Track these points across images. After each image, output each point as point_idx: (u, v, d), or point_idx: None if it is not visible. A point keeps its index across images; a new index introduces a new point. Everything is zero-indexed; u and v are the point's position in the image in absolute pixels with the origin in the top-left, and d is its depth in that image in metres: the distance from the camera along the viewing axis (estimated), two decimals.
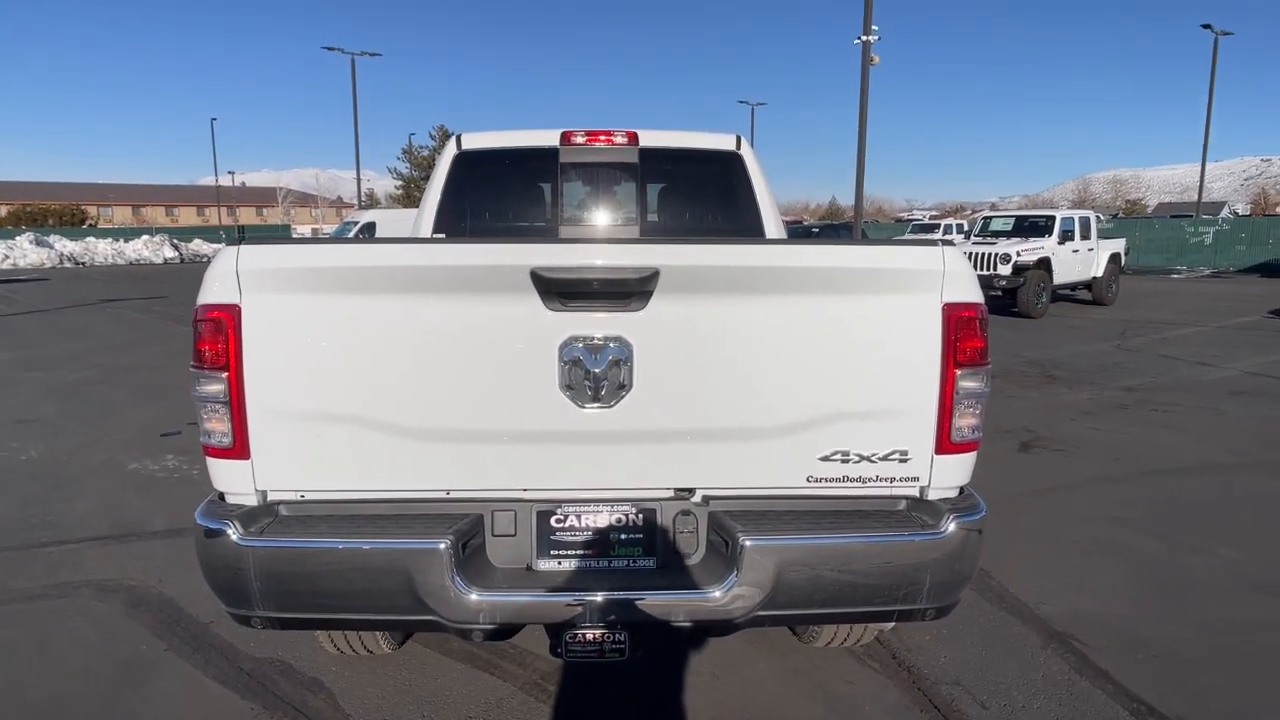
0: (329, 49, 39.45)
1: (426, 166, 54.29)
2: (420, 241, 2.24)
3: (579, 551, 2.09)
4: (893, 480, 2.10)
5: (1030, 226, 15.40)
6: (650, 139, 4.04)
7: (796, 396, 2.03)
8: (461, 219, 4.05)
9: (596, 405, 1.98)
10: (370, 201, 50.14)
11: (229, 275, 1.95)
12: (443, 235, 3.92)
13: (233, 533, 1.96)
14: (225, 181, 74.21)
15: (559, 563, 2.09)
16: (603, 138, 4.01)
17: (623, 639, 1.99)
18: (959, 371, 2.03)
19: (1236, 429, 6.55)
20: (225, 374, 1.98)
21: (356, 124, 40.08)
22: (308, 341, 1.98)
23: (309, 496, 2.09)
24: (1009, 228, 15.89)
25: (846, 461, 2.07)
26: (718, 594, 1.95)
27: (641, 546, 2.10)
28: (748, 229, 4.05)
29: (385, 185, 61.42)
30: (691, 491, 2.12)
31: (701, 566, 2.08)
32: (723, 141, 4.14)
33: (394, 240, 2.04)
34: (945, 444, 2.07)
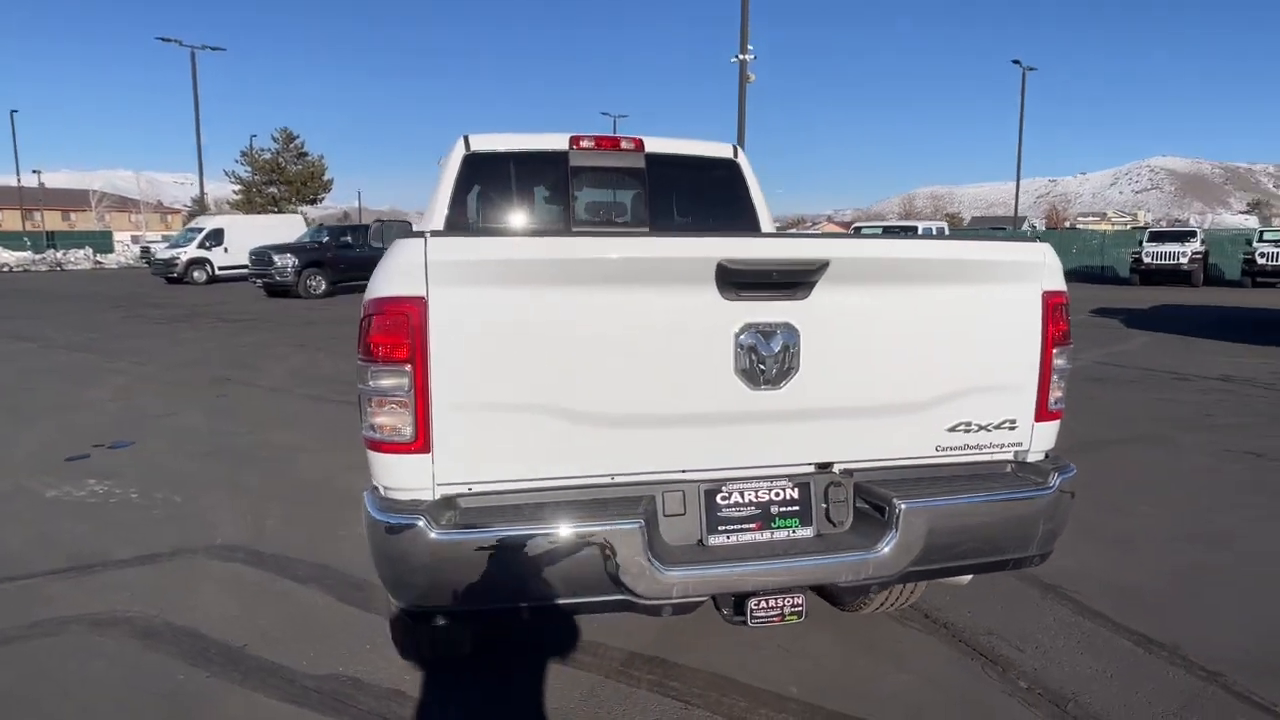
0: (165, 40, 36.21)
1: (269, 170, 51.05)
2: (609, 235, 2.29)
3: (744, 525, 2.23)
4: (1002, 446, 2.39)
5: (896, 235, 16.93)
6: (654, 145, 4.22)
7: (931, 375, 2.28)
8: (472, 216, 4.05)
9: (768, 387, 2.13)
10: (201, 207, 46.41)
11: (415, 268, 1.94)
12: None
13: (426, 527, 1.94)
14: (26, 181, 65.84)
15: (727, 537, 2.22)
16: (611, 143, 4.15)
17: (800, 602, 2.16)
18: (1055, 350, 2.36)
19: (1110, 410, 7.53)
20: (409, 367, 1.96)
21: (199, 124, 37.14)
22: (492, 333, 2.00)
23: (476, 488, 2.09)
24: (879, 234, 17.39)
25: (968, 431, 2.34)
26: (884, 552, 2.16)
27: (798, 518, 2.26)
28: (743, 225, 4.32)
29: (218, 189, 57.13)
30: (831, 465, 2.31)
31: (853, 532, 2.27)
32: (721, 150, 4.39)
33: (582, 233, 2.09)
34: (1043, 412, 2.39)
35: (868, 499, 2.28)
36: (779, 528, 2.25)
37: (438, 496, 2.06)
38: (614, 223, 4.34)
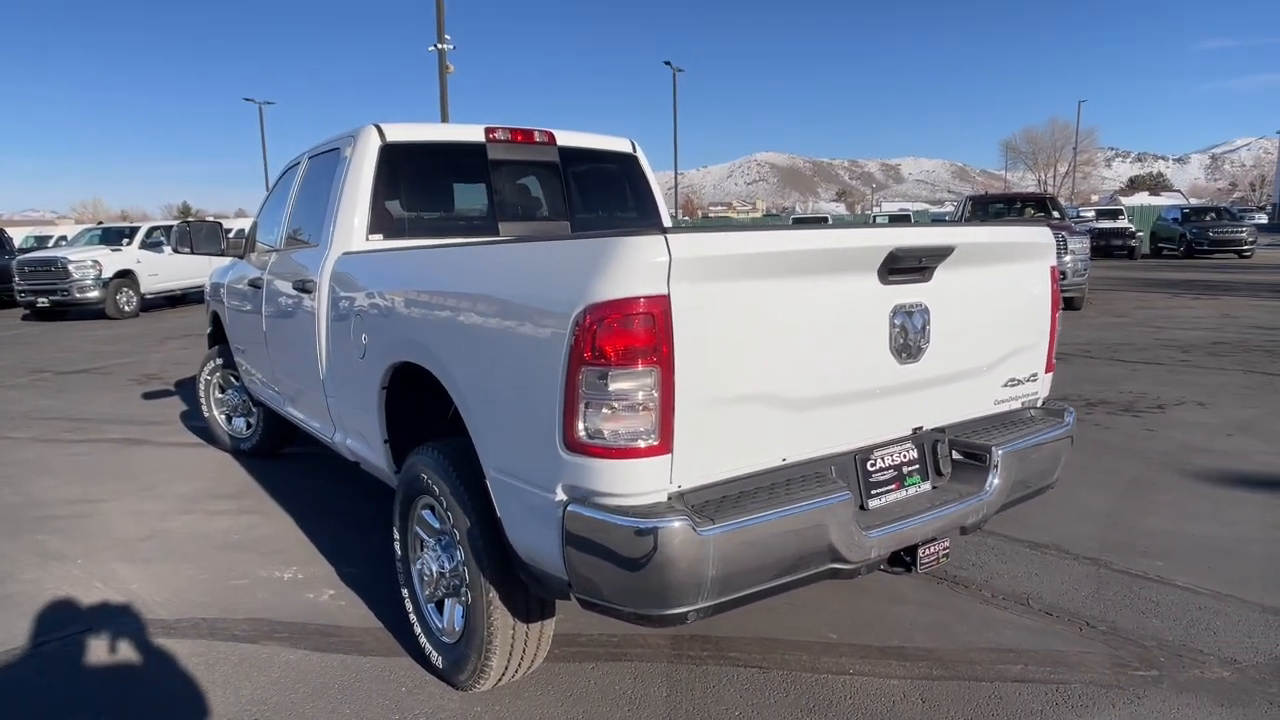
0: None
1: None
2: (816, 228, 2.33)
3: (887, 487, 2.47)
4: (1026, 396, 2.93)
5: None
6: (564, 139, 4.26)
7: (999, 340, 2.73)
8: (397, 211, 3.74)
9: (910, 361, 2.40)
10: None
11: (655, 266, 1.87)
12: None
13: (689, 525, 1.89)
14: None
15: (880, 499, 2.44)
16: (525, 136, 4.12)
17: (948, 545, 2.47)
18: (1057, 313, 2.96)
19: None
20: (654, 368, 1.89)
21: None
22: (720, 328, 1.99)
23: (688, 485, 2.06)
24: None
25: (1013, 385, 2.84)
26: (992, 492, 2.55)
27: (919, 474, 2.56)
28: (650, 219, 4.54)
29: None
30: (932, 426, 2.65)
31: (958, 480, 2.63)
32: (620, 144, 4.56)
33: (799, 227, 2.15)
34: (1049, 364, 2.98)
35: (959, 449, 2.67)
36: (910, 485, 2.54)
37: (671, 497, 2.01)
38: (536, 216, 4.28)
